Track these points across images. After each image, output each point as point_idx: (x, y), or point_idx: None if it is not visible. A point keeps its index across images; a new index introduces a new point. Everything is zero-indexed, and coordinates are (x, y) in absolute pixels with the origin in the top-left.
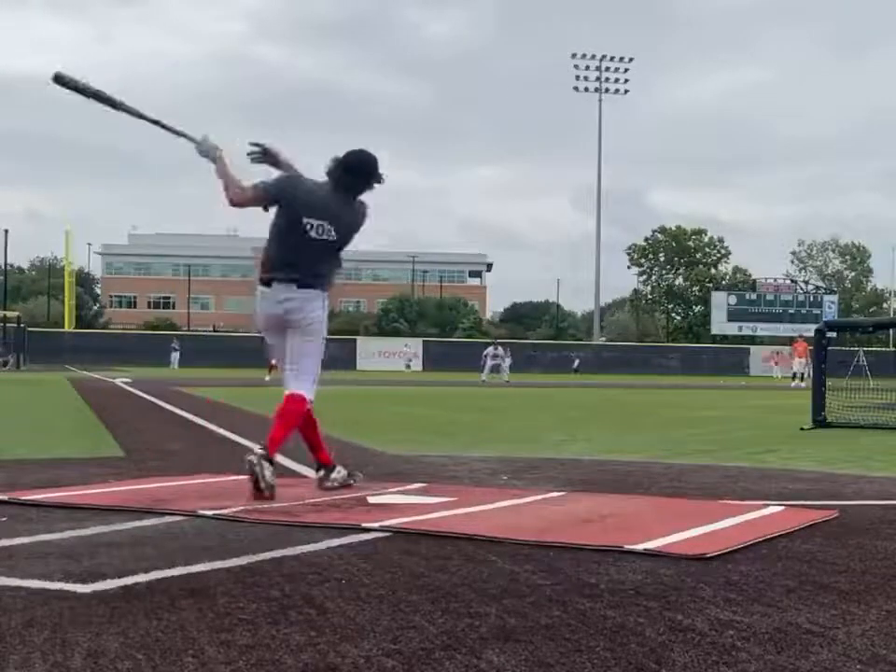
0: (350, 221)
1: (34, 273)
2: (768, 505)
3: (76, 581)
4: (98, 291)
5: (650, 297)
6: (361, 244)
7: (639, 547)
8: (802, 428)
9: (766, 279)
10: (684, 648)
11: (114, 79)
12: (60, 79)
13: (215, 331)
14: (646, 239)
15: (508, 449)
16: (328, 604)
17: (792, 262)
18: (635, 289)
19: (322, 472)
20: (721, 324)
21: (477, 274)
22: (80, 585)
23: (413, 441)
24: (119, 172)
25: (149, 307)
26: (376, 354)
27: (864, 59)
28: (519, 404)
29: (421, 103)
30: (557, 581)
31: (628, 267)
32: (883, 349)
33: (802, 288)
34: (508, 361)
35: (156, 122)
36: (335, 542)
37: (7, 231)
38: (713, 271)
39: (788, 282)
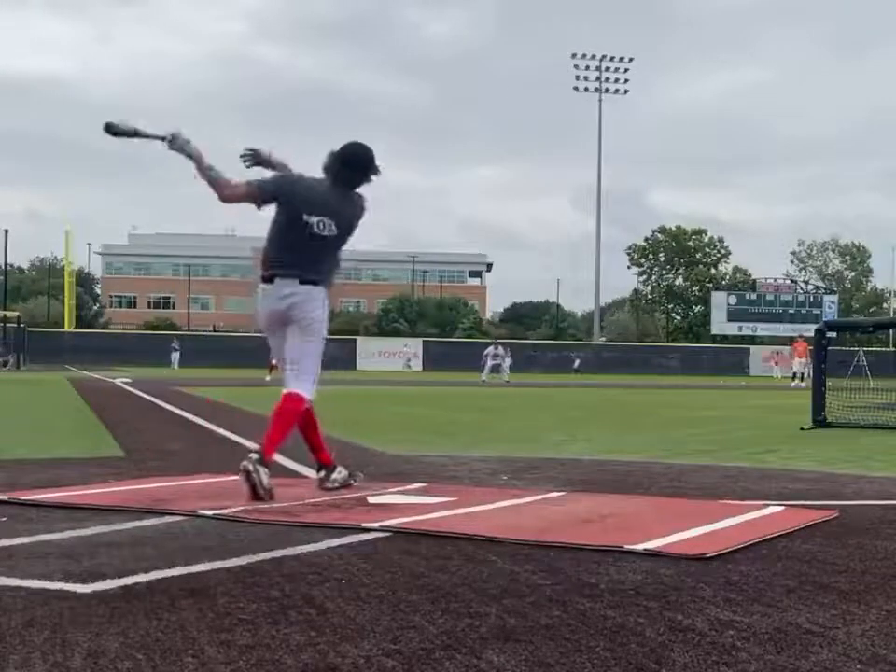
0: (350, 216)
1: (34, 272)
2: (768, 505)
3: (76, 581)
4: (98, 291)
5: (650, 297)
6: (361, 244)
7: (639, 547)
8: (802, 428)
9: (766, 279)
10: (684, 648)
11: (114, 80)
12: (111, 129)
13: (215, 331)
14: (646, 239)
15: (508, 449)
16: (328, 604)
17: (792, 262)
18: (635, 289)
19: (323, 473)
20: (720, 324)
21: (477, 274)
22: (80, 585)
23: (413, 440)
24: (119, 172)
25: (149, 307)
26: (376, 354)
27: (864, 59)
28: (519, 404)
29: (421, 103)
30: (557, 581)
31: (628, 267)
32: (883, 349)
33: (802, 288)
34: (508, 361)
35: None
36: (335, 542)
37: (7, 231)
38: (713, 271)
39: (788, 282)
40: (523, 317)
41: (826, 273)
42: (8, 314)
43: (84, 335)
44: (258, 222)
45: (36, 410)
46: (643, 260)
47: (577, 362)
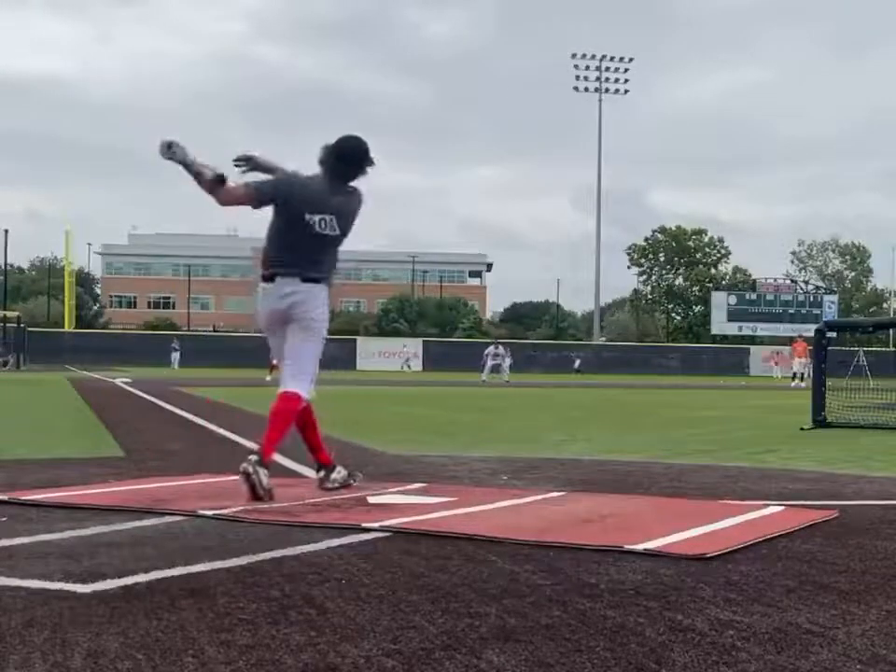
0: (350, 212)
1: (34, 272)
2: (768, 505)
3: (76, 581)
4: (98, 291)
5: (650, 297)
6: (361, 244)
7: (639, 547)
8: (802, 428)
9: (766, 279)
10: (684, 648)
11: (114, 80)
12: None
13: (215, 331)
14: (646, 239)
15: (508, 449)
16: (328, 604)
17: (792, 262)
18: (635, 289)
19: (322, 473)
20: (720, 324)
21: (477, 274)
22: (80, 585)
23: (413, 440)
24: (119, 172)
25: (149, 307)
26: (376, 354)
27: (864, 59)
28: (519, 404)
29: (421, 103)
30: (557, 581)
31: (628, 267)
32: (883, 349)
33: (802, 288)
34: (508, 361)
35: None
36: (335, 542)
37: (7, 231)
38: (713, 271)
39: (788, 282)
40: (523, 317)
41: (826, 272)
42: (8, 314)
43: (84, 335)
44: (258, 222)
45: (36, 410)
46: (643, 260)
47: (578, 362)
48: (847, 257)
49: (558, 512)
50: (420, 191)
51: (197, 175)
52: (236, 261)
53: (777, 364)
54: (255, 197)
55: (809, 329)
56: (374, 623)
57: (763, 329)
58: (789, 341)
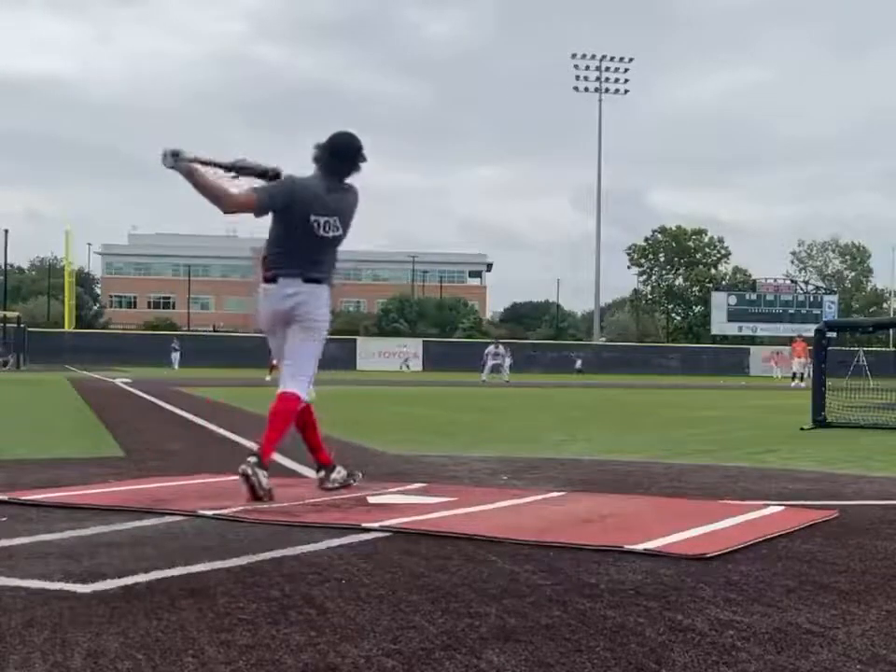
0: (348, 209)
1: (34, 272)
2: (768, 505)
3: (76, 581)
4: (98, 291)
5: (650, 297)
6: (361, 244)
7: (639, 547)
8: (802, 428)
9: (766, 279)
10: (684, 648)
11: (114, 80)
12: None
13: (215, 331)
14: (646, 239)
15: (508, 449)
16: (328, 604)
17: (792, 262)
18: (635, 289)
19: (322, 473)
20: (721, 324)
21: (477, 274)
22: (80, 585)
23: (413, 440)
24: (119, 172)
25: (149, 307)
26: (376, 354)
27: (864, 59)
28: (519, 404)
29: (421, 103)
30: (557, 581)
31: (628, 267)
32: (883, 349)
33: (802, 289)
34: (508, 361)
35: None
36: (335, 542)
37: (7, 231)
38: (713, 271)
39: (788, 282)
40: (523, 317)
41: (826, 273)
42: (8, 314)
43: (84, 335)
44: (258, 222)
45: (36, 410)
46: (643, 260)
47: (579, 362)
48: (847, 257)
49: (558, 512)
50: (420, 191)
51: (201, 187)
52: (236, 262)
53: (776, 364)
54: (269, 204)
55: (809, 330)
56: (374, 623)
57: (762, 330)
58: (789, 341)
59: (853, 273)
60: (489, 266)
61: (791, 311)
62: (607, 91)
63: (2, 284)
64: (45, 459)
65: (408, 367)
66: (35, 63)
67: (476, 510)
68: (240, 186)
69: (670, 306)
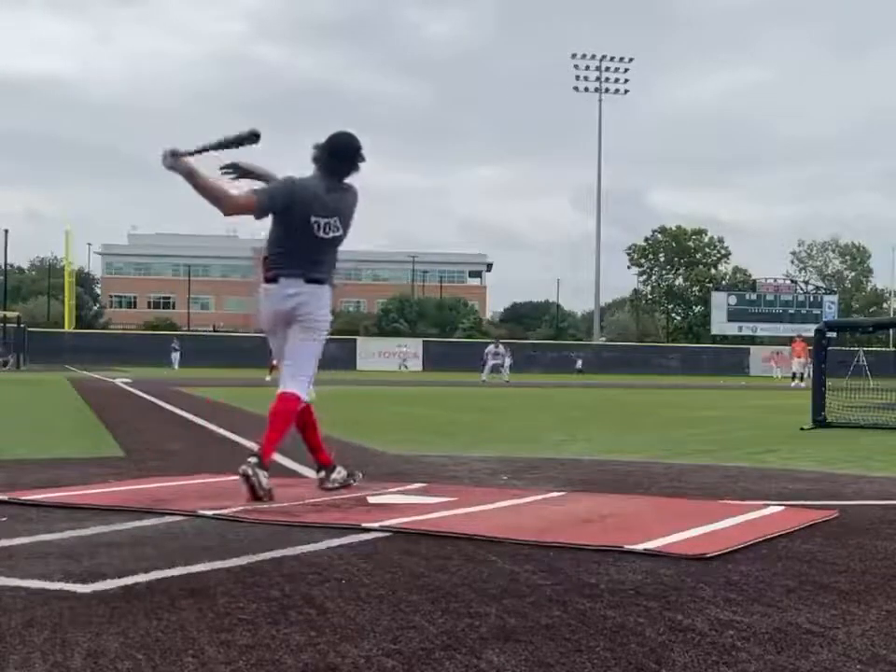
0: (348, 209)
1: (34, 272)
2: (768, 505)
3: (76, 581)
4: (98, 291)
5: (650, 297)
6: (361, 244)
7: (639, 547)
8: (802, 428)
9: (766, 279)
10: (684, 648)
11: (114, 80)
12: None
13: (215, 331)
14: (646, 239)
15: (508, 449)
16: (328, 604)
17: (792, 262)
18: (635, 289)
19: (322, 473)
20: (720, 324)
21: (477, 274)
22: (80, 585)
23: (413, 440)
24: (119, 172)
25: (149, 307)
26: (376, 354)
27: (864, 59)
28: (519, 404)
29: (421, 103)
30: (557, 581)
31: (628, 267)
32: (883, 349)
33: (802, 288)
34: (508, 361)
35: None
36: (335, 542)
37: (7, 231)
38: (713, 271)
39: (788, 282)
40: (523, 317)
41: (826, 273)
42: (8, 314)
43: (84, 335)
44: (258, 222)
45: (36, 410)
46: (643, 260)
47: (579, 363)
48: (847, 257)
49: (558, 512)
50: (420, 191)
51: (201, 189)
52: (236, 262)
53: (776, 364)
54: (257, 208)
55: (809, 330)
56: (374, 623)
57: (762, 330)
58: (788, 341)
59: (853, 273)
60: (489, 266)
61: (791, 311)
62: (607, 91)
63: (2, 284)
64: (45, 459)
65: (406, 367)
66: (34, 63)
67: (476, 510)
68: (240, 187)
69: (670, 306)
